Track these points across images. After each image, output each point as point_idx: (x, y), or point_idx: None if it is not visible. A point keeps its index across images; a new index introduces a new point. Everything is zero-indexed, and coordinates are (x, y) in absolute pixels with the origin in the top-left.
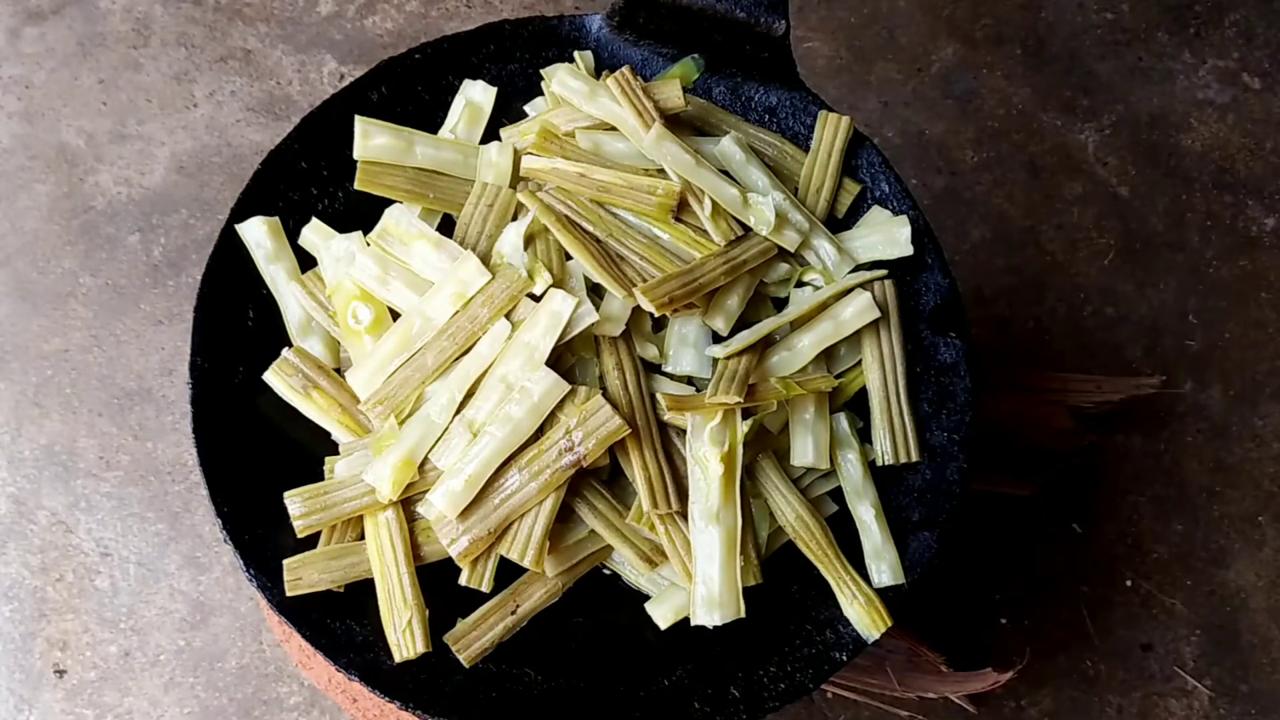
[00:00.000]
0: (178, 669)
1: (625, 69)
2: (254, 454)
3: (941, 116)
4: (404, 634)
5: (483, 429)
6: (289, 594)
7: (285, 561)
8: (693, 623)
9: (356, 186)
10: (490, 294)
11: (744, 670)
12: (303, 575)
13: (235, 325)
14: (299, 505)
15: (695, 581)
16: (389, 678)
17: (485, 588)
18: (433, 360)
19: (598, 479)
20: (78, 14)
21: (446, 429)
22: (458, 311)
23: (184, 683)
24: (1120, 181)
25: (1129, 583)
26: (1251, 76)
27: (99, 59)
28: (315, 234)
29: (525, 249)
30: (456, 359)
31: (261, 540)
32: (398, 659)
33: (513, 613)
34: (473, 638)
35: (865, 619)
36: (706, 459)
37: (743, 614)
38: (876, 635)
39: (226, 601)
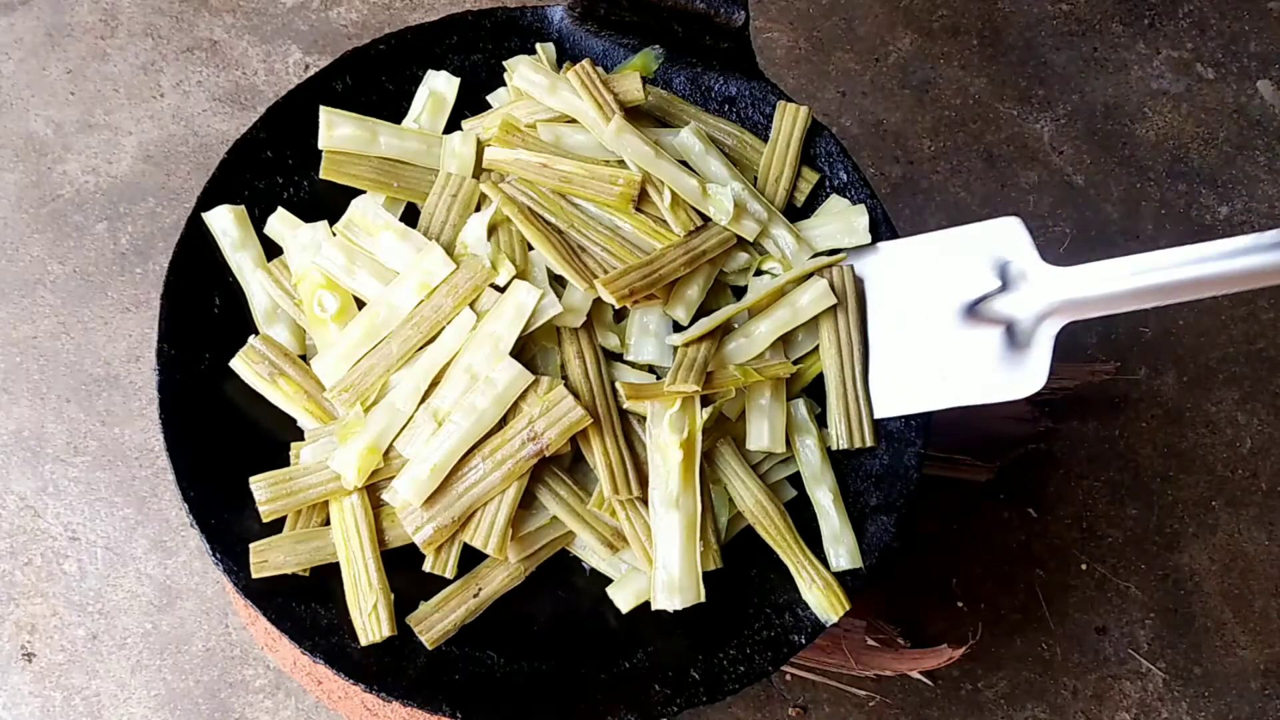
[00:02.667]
0: (145, 652)
1: (585, 62)
2: (220, 439)
3: (899, 106)
4: (369, 618)
5: (447, 418)
6: (255, 576)
7: (251, 545)
8: (653, 607)
9: (321, 175)
10: (454, 284)
11: (703, 653)
12: (269, 558)
13: (202, 312)
14: (264, 490)
15: (655, 566)
16: (353, 660)
17: (449, 574)
18: (398, 349)
19: (560, 466)
20: (45, 5)
21: (411, 417)
22: (422, 301)
23: (151, 665)
24: (1075, 170)
25: (1084, 566)
26: (1205, 67)
27: (67, 49)
28: (281, 223)
29: (489, 239)
30: (421, 348)
31: (228, 524)
32: (364, 642)
33: (475, 596)
34: (435, 619)
35: (824, 603)
36: (666, 446)
37: (703, 598)
38: (835, 619)
39: (193, 585)
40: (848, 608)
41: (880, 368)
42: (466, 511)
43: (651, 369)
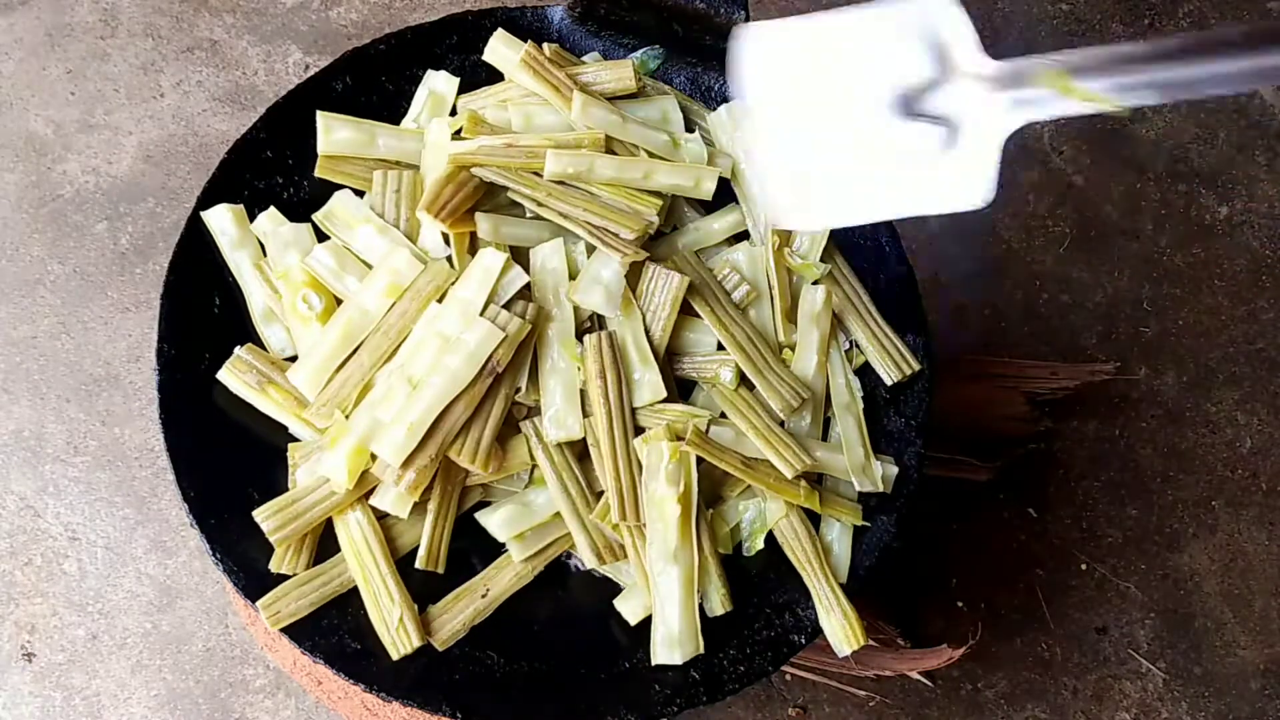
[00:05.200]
0: (145, 652)
1: (530, 45)
2: (220, 439)
3: None
4: (398, 632)
5: (423, 380)
6: (272, 628)
7: (260, 601)
8: (654, 662)
9: (317, 173)
10: (418, 288)
11: (703, 653)
12: (280, 609)
13: (201, 312)
14: (270, 519)
15: (655, 621)
16: (353, 660)
17: (440, 569)
18: (369, 359)
19: (572, 453)
20: (46, 4)
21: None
22: (393, 304)
23: (151, 665)
24: (1075, 170)
25: (1084, 566)
26: None
27: (67, 49)
28: (268, 221)
29: (446, 242)
30: (393, 353)
31: (228, 524)
32: (395, 656)
33: (483, 596)
34: (444, 621)
35: (841, 633)
36: (664, 500)
37: (701, 650)
38: (848, 651)
39: (193, 585)
40: (863, 642)
41: (804, 172)
42: (441, 449)
43: (680, 378)
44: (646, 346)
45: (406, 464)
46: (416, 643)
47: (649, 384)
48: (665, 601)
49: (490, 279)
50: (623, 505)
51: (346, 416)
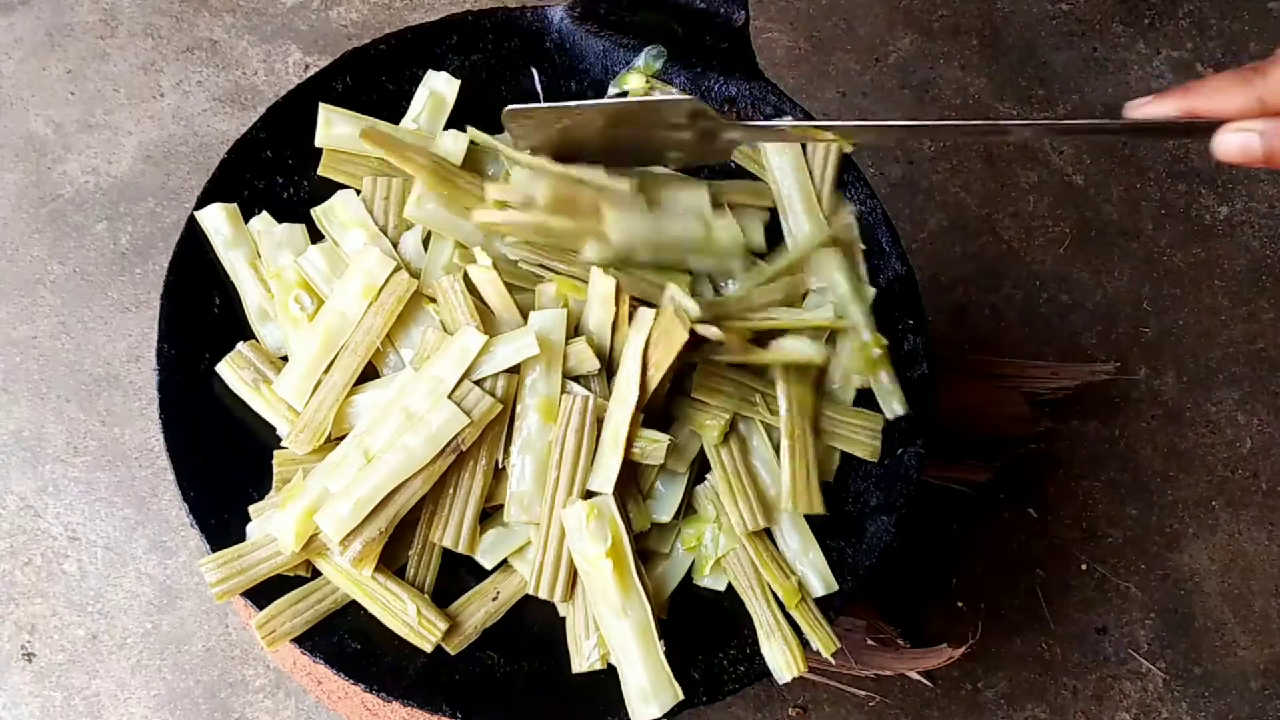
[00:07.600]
0: (145, 652)
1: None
2: (220, 439)
3: (899, 106)
4: (422, 625)
5: (378, 456)
6: (269, 648)
7: (253, 620)
8: None
9: (320, 172)
10: (382, 302)
11: (704, 653)
12: (276, 628)
13: (201, 312)
14: (215, 571)
15: (622, 678)
16: (353, 660)
17: (427, 590)
18: (341, 378)
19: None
20: (46, 4)
21: (344, 458)
22: (363, 315)
23: (151, 665)
24: (1075, 170)
25: (1084, 566)
26: (1205, 67)
27: (67, 49)
28: (262, 223)
29: (425, 249)
30: (360, 381)
31: (228, 524)
32: (428, 649)
33: (493, 600)
34: (455, 626)
35: (781, 659)
36: (594, 559)
37: (680, 697)
38: (788, 678)
39: (193, 585)
40: (804, 669)
41: None
42: (392, 523)
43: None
44: (623, 432)
45: (350, 538)
46: (443, 626)
47: (605, 472)
48: (626, 657)
49: (466, 359)
50: (539, 578)
51: (319, 448)
